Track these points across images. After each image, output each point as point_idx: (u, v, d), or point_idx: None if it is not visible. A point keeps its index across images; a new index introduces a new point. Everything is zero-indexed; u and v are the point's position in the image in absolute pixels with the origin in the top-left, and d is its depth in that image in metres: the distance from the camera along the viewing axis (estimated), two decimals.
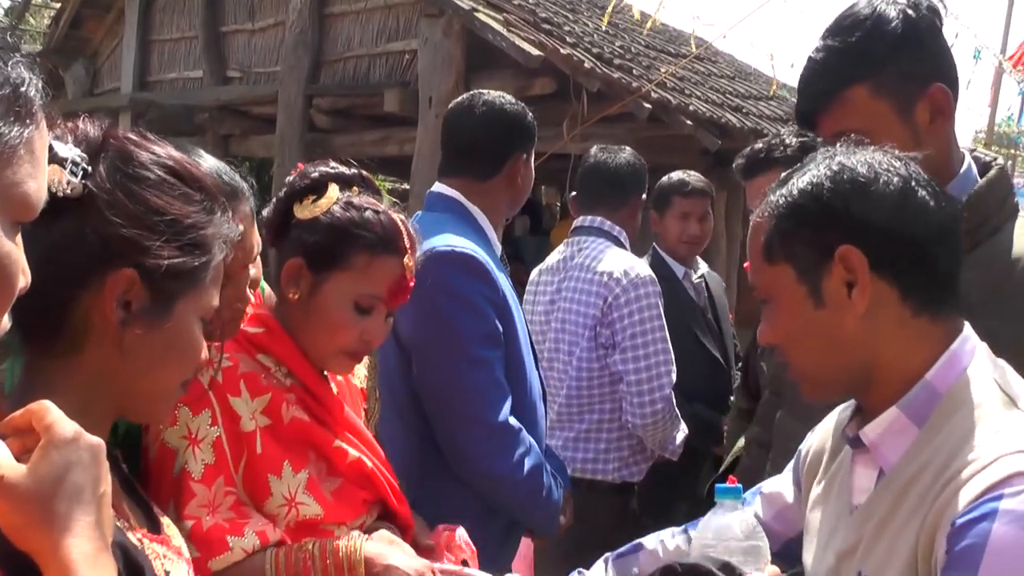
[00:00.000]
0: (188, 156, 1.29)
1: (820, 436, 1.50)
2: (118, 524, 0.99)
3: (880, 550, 1.19)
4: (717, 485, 1.45)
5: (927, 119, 1.65)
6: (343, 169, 1.68)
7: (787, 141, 2.70)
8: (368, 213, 1.63)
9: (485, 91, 2.44)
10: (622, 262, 3.06)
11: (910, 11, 1.65)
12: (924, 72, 1.65)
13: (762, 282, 1.32)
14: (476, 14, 5.90)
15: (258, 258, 1.56)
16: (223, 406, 1.49)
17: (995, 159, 1.80)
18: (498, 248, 2.37)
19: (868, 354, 1.25)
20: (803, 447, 1.54)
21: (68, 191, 0.94)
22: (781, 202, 1.28)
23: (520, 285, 2.85)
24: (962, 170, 1.72)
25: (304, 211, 1.62)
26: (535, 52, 5.58)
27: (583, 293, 3.08)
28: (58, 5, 10.49)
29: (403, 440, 2.24)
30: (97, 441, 0.85)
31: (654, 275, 3.11)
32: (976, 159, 1.77)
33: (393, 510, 1.71)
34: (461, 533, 1.82)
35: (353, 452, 1.63)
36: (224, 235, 1.09)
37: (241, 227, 1.25)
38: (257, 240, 1.54)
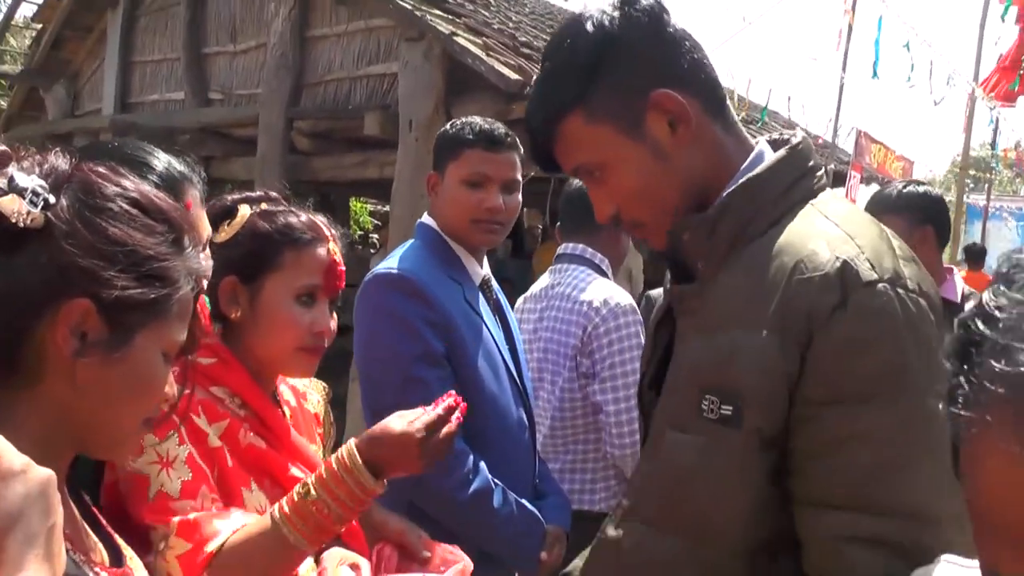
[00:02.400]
0: (143, 152, 1.38)
1: None
2: (73, 557, 0.97)
3: None
4: None
5: (666, 131, 1.38)
6: (249, 193, 1.75)
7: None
8: (282, 214, 1.69)
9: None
10: (602, 291, 3.06)
11: (613, 16, 1.39)
12: (641, 81, 1.38)
13: None
14: (456, 38, 5.93)
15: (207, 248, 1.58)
16: (188, 426, 1.49)
17: (792, 135, 1.47)
18: (477, 273, 2.39)
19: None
20: None
21: (28, 221, 0.93)
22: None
23: (509, 306, 2.85)
24: (750, 158, 1.42)
25: (221, 235, 1.66)
26: (514, 76, 5.62)
27: (563, 323, 3.07)
28: (39, 26, 10.49)
29: None
30: (48, 473, 0.83)
31: (635, 304, 3.12)
32: (779, 142, 1.45)
33: (343, 540, 1.69)
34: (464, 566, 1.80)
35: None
36: (192, 268, 1.07)
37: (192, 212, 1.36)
38: (207, 226, 1.56)
